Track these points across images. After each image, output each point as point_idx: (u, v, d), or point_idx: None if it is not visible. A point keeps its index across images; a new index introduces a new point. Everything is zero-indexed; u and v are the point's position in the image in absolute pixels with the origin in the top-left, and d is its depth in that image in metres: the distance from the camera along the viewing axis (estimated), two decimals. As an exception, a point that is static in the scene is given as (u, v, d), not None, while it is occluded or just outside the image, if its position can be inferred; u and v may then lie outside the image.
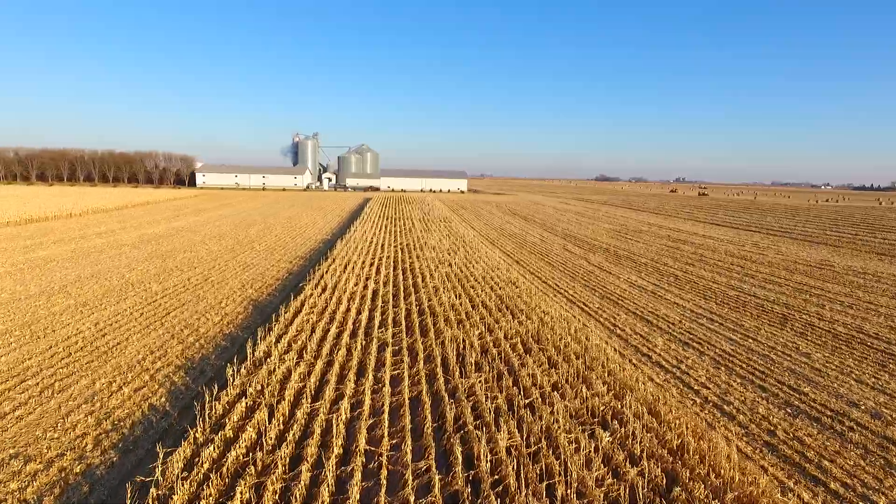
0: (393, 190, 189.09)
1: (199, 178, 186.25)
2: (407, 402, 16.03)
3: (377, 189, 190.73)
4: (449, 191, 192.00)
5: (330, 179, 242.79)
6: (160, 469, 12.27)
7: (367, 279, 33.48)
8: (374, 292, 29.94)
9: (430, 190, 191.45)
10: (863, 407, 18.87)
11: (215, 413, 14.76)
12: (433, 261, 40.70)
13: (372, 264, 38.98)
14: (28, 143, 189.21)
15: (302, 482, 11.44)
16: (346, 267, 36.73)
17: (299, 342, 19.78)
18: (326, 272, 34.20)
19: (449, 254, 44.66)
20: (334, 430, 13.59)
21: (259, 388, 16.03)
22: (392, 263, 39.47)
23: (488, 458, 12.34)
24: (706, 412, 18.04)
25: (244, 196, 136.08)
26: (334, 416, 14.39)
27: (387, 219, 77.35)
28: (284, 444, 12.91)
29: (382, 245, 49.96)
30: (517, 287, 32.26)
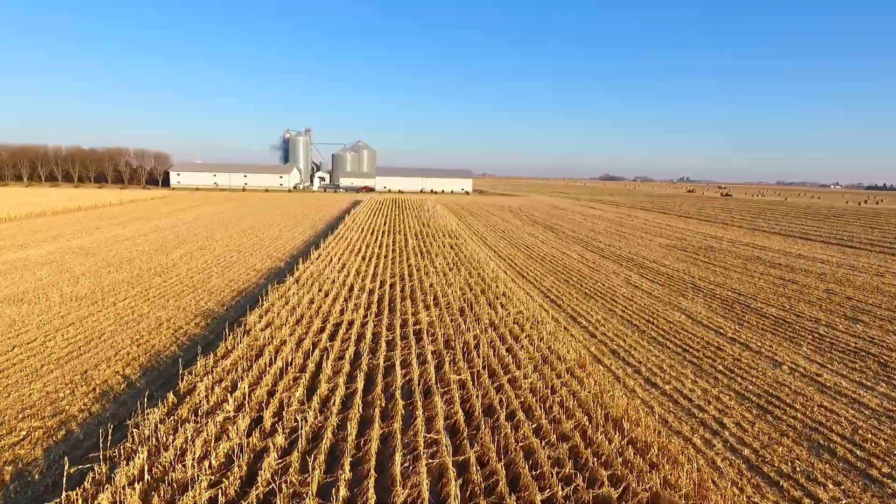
0: (389, 190, 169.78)
1: (174, 178, 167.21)
2: None
3: (372, 189, 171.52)
4: (452, 192, 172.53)
5: (323, 179, 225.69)
6: None
7: (271, 425, 14.09)
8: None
9: (431, 191, 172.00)
10: None
11: None
12: (434, 336, 21.41)
13: (308, 357, 19.53)
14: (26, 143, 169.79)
15: None
16: (247, 371, 17.31)
17: None
18: (186, 412, 14.78)
19: (462, 313, 25.37)
20: None
21: None
22: (351, 353, 19.96)
23: None
24: None
25: (215, 198, 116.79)
26: None
27: (371, 233, 57.99)
28: None
29: (350, 290, 30.61)
30: (657, 466, 12.89)
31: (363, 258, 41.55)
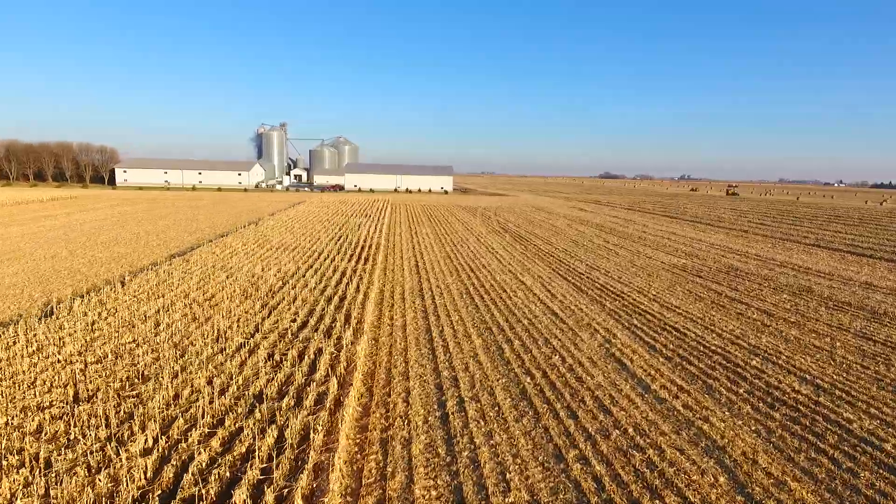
0: (360, 189, 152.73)
1: (120, 176, 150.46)
2: None
3: (341, 188, 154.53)
4: (430, 190, 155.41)
5: (298, 176, 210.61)
6: None
7: None
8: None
9: (406, 189, 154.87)
10: None
11: None
12: None
13: None
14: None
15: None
16: None
17: None
18: None
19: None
20: None
21: None
22: None
23: None
24: None
25: (139, 199, 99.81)
26: None
27: (247, 254, 41.06)
28: None
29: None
30: None
31: (128, 327, 24.51)
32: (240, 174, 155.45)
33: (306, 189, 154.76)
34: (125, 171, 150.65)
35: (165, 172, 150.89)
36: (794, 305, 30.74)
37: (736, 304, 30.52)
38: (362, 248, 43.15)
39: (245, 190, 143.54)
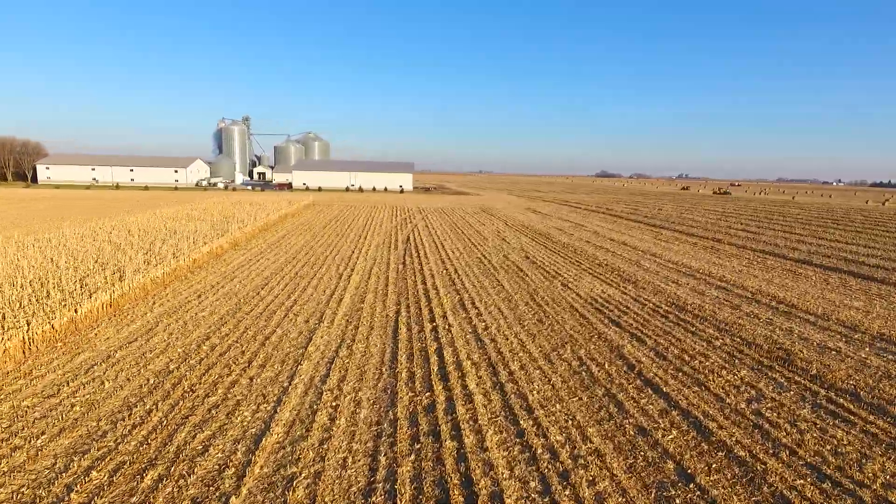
0: (308, 188, 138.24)
1: (43, 172, 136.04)
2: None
3: (290, 186, 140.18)
4: (386, 189, 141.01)
5: (262, 174, 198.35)
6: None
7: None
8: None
9: (360, 188, 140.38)
10: None
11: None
12: None
13: None
14: None
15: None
16: None
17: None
18: None
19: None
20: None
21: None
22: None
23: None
24: None
25: (12, 199, 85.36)
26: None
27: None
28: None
29: None
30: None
31: None
32: (176, 171, 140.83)
33: (247, 188, 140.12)
34: (48, 168, 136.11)
35: (93, 169, 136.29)
36: (756, 396, 16.50)
37: (646, 402, 16.20)
38: (100, 279, 28.66)
39: (176, 188, 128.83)
